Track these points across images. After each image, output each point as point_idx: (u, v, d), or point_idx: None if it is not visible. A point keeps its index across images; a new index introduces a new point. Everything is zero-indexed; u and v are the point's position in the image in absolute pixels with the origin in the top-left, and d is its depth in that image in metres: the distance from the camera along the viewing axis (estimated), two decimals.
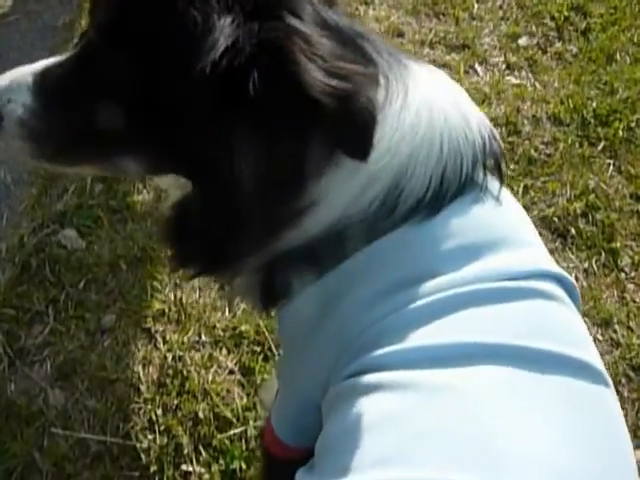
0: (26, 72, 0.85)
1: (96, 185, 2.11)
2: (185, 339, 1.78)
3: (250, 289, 0.97)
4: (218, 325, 1.81)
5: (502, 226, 0.87)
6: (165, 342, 1.78)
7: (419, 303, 0.79)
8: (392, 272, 0.82)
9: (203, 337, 1.79)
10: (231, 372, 1.74)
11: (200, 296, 1.87)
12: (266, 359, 1.75)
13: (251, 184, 0.76)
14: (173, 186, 0.92)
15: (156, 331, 1.80)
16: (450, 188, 0.84)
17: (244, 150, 0.75)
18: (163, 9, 0.76)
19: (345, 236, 0.83)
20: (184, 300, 1.86)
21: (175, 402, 1.67)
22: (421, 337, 0.77)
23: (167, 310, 1.84)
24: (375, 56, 0.84)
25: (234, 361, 1.75)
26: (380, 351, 0.77)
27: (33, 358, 1.74)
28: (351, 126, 0.71)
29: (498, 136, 0.90)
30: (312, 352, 0.89)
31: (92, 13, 0.86)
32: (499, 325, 0.78)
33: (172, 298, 1.86)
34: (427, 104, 0.85)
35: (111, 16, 0.80)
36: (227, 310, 1.84)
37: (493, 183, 0.88)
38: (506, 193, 0.90)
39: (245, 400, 1.68)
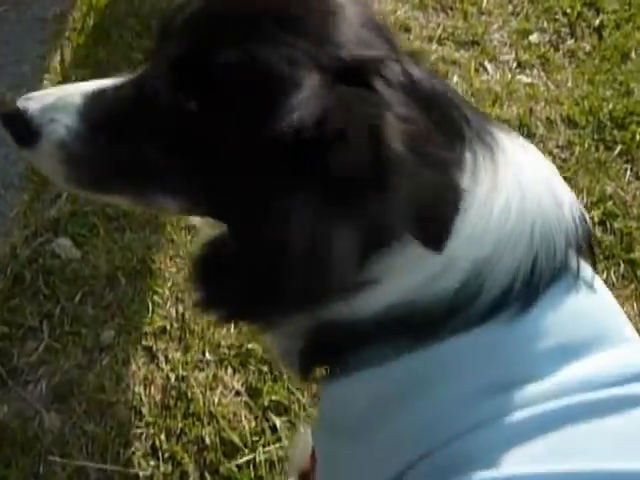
0: (76, 92, 0.80)
1: None
2: (188, 358, 1.71)
3: (288, 351, 0.88)
4: (223, 343, 1.74)
5: (599, 319, 0.80)
6: (167, 361, 1.71)
7: (517, 415, 0.71)
8: (481, 373, 0.74)
9: (207, 355, 1.72)
10: (237, 393, 1.67)
11: None
12: (275, 380, 1.68)
13: (299, 251, 0.70)
14: (206, 224, 0.87)
15: (157, 349, 1.73)
16: (543, 278, 0.76)
17: (301, 219, 0.69)
18: (247, 54, 0.71)
19: (416, 322, 0.76)
20: (186, 316, 1.78)
21: (179, 426, 1.60)
22: (528, 461, 0.68)
23: (169, 327, 1.76)
24: (464, 128, 0.77)
25: (240, 382, 1.69)
26: (484, 476, 0.68)
27: (27, 378, 1.67)
28: (431, 216, 0.66)
29: (587, 216, 0.84)
30: (369, 448, 0.80)
31: (161, 40, 0.79)
32: (615, 446, 0.70)
33: (174, 314, 1.79)
34: (518, 186, 0.77)
35: (186, 52, 0.74)
36: (232, 327, 1.77)
37: (585, 268, 0.81)
38: (597, 278, 0.83)
39: (253, 424, 1.62)
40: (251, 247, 0.74)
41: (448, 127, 0.76)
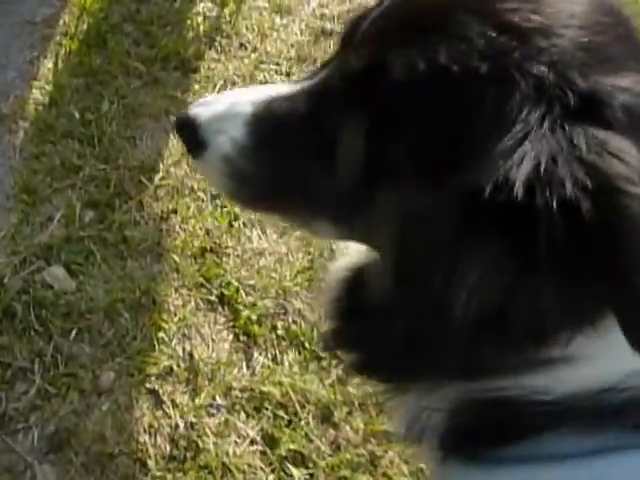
0: (246, 100, 0.79)
1: (86, 212, 1.98)
2: (197, 402, 1.67)
3: (423, 424, 0.78)
4: (235, 385, 1.70)
5: None
6: (175, 406, 1.66)
7: None
8: None
9: (218, 400, 1.68)
10: (252, 442, 1.63)
11: (213, 350, 1.76)
12: (293, 427, 1.64)
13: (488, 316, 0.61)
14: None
15: (163, 393, 1.68)
16: None
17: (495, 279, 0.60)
18: (433, 67, 0.62)
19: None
20: (195, 355, 1.74)
21: None
22: None
23: (175, 367, 1.72)
24: None
25: (255, 429, 1.64)
26: None
27: (16, 426, 1.62)
28: None
29: None
30: None
31: (342, 47, 0.76)
32: None
33: (180, 352, 1.75)
34: None
35: (360, 64, 0.68)
36: (245, 367, 1.73)
37: None
38: None
39: (271, 477, 1.57)
40: (416, 295, 0.66)
41: None
